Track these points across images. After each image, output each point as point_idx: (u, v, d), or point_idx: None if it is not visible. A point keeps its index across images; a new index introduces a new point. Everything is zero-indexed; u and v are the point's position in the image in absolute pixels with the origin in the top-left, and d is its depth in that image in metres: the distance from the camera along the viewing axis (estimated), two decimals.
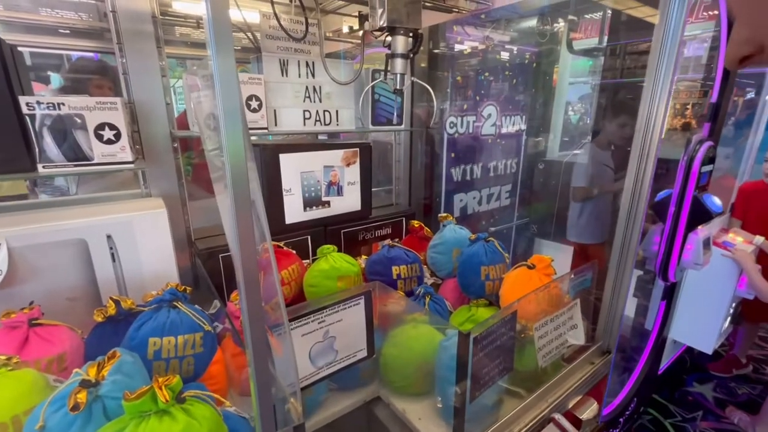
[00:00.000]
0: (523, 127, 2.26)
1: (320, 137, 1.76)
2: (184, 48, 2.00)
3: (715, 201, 1.68)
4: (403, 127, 1.73)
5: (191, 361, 0.86)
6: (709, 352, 2.33)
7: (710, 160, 1.63)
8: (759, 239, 2.17)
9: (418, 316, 1.08)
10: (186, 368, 0.86)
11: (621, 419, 2.00)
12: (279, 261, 1.27)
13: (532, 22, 2.26)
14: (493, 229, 2.30)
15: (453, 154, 2.05)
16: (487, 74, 2.16)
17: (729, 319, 2.40)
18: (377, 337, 1.05)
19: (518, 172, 2.33)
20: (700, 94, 2.50)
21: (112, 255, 1.04)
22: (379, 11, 1.14)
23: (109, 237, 1.03)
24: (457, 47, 2.10)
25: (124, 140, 1.03)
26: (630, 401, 2.03)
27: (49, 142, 0.97)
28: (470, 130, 2.05)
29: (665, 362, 2.49)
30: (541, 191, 2.49)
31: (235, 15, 1.38)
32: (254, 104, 1.28)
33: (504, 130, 2.17)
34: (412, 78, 1.32)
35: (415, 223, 1.62)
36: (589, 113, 2.62)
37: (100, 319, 0.90)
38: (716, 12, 1.64)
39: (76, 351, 0.88)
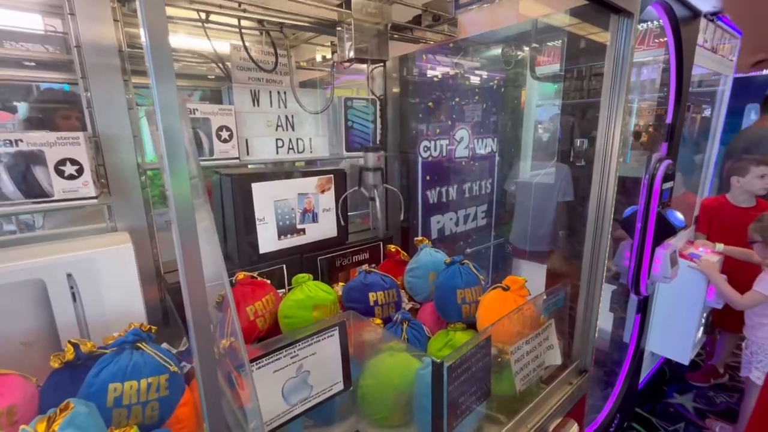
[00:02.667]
0: (495, 148, 2.33)
1: (297, 164, 1.77)
2: None
3: (678, 216, 1.76)
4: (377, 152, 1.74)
5: (156, 405, 0.81)
6: (686, 362, 2.38)
7: (670, 177, 1.71)
8: (720, 246, 2.25)
9: (394, 344, 1.06)
10: (150, 414, 0.81)
11: None
12: (253, 292, 1.24)
13: (498, 51, 2.36)
14: (469, 250, 2.32)
15: (428, 177, 2.09)
16: (458, 99, 2.24)
17: (702, 328, 2.47)
18: (354, 368, 1.03)
19: (493, 193, 2.38)
20: (661, 111, 2.64)
21: (73, 295, 1.00)
22: (347, 44, 1.17)
23: (69, 276, 0.98)
24: (428, 74, 2.17)
25: (87, 175, 1.00)
26: (613, 417, 2.04)
27: (5, 179, 0.93)
28: (444, 153, 2.10)
29: (645, 375, 2.53)
30: (514, 211, 2.55)
31: (205, 45, 1.39)
32: (225, 134, 1.28)
33: (477, 153, 2.23)
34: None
35: (392, 247, 1.62)
36: (558, 134, 2.73)
37: (56, 365, 0.84)
38: (664, 39, 1.76)
39: (29, 401, 0.82)
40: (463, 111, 2.24)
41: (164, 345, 0.96)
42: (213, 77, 1.93)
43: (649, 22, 2.09)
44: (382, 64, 1.24)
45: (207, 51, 1.45)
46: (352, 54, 1.19)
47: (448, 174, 2.16)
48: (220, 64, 1.50)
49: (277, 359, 0.87)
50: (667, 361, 2.88)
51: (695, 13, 1.78)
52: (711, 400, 2.69)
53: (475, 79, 2.41)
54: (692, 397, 2.72)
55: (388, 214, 1.99)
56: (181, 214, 0.44)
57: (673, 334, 2.31)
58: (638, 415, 2.53)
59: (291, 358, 0.89)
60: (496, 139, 2.31)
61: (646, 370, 2.52)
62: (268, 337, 1.23)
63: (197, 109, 1.21)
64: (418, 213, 2.06)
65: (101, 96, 1.10)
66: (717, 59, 2.28)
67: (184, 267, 0.45)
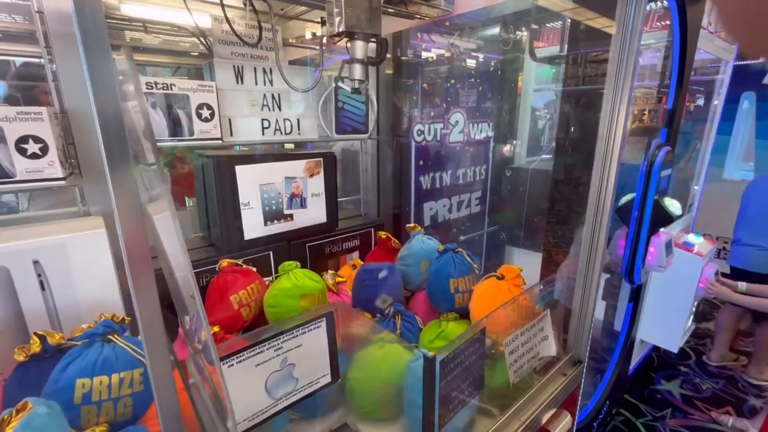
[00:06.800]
0: (491, 134, 2.27)
1: (287, 146, 1.69)
2: (140, 54, 1.89)
3: (675, 204, 1.73)
4: (368, 135, 1.68)
5: (128, 401, 0.76)
6: (675, 350, 2.40)
7: (669, 164, 1.67)
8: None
9: (385, 335, 1.02)
10: (122, 411, 0.76)
11: (595, 423, 2.00)
12: (237, 280, 1.18)
13: (496, 30, 2.28)
14: (463, 238, 2.28)
15: (422, 162, 2.02)
16: (453, 81, 2.16)
17: (692, 317, 2.48)
18: (342, 359, 0.98)
19: (487, 179, 2.33)
20: (655, 101, 2.60)
21: (41, 283, 0.93)
22: (337, 18, 1.09)
23: (36, 263, 0.91)
24: (423, 54, 2.09)
25: (53, 154, 0.92)
26: (603, 404, 2.05)
27: None
28: (438, 138, 2.03)
29: (635, 362, 2.55)
30: (509, 198, 2.50)
31: (186, 18, 1.30)
32: (206, 113, 1.20)
33: (472, 137, 2.17)
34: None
35: (383, 234, 1.57)
36: (555, 119, 2.67)
37: (21, 359, 0.79)
38: (668, 22, 1.70)
39: None
40: (458, 94, 2.16)
41: (140, 337, 0.90)
42: (197, 54, 1.83)
43: (653, 3, 2.02)
44: (375, 39, 1.15)
45: (189, 25, 1.36)
46: (342, 28, 1.10)
47: (442, 159, 2.10)
48: (202, 39, 1.40)
49: (259, 352, 0.82)
50: (656, 348, 2.91)
51: None
52: (697, 387, 2.73)
53: (471, 62, 2.32)
54: (679, 384, 2.76)
55: (380, 200, 1.93)
56: (124, 211, 0.38)
57: (664, 323, 2.31)
58: (626, 401, 2.56)
59: (275, 350, 0.85)
60: (492, 124, 2.24)
61: (636, 357, 2.53)
62: (254, 326, 1.18)
63: (174, 85, 1.12)
64: (410, 199, 2.00)
65: (68, 69, 1.00)
66: (719, 43, 2.23)
67: (131, 270, 0.40)
